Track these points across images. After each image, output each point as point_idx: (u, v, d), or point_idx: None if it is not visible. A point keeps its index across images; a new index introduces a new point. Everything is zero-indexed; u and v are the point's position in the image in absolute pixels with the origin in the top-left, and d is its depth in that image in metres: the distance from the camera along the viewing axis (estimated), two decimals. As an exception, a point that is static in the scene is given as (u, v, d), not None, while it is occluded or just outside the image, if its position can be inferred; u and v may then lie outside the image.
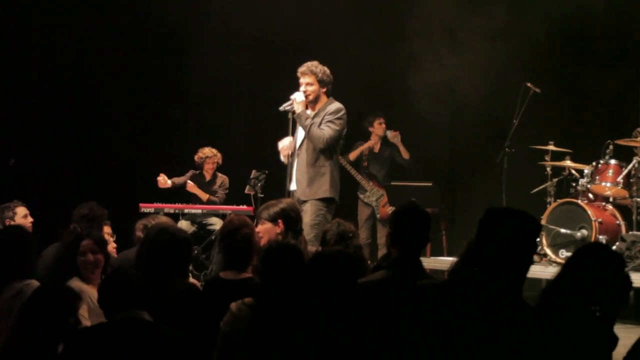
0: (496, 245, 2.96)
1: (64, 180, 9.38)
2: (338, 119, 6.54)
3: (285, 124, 6.72)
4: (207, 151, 9.43)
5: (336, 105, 6.59)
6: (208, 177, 9.51)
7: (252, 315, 3.60)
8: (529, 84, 8.31)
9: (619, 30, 8.92)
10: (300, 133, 6.67)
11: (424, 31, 9.04)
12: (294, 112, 6.58)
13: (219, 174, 9.55)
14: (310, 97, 6.58)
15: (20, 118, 9.53)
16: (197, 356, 3.57)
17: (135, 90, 10.00)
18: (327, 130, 6.48)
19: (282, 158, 6.74)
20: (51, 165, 9.45)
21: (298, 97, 6.54)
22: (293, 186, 6.61)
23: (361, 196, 9.24)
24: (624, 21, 8.84)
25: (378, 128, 9.36)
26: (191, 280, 4.51)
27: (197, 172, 9.52)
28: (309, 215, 6.34)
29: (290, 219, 5.05)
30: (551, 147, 8.21)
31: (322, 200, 6.49)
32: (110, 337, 3.32)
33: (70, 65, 9.77)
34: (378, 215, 9.18)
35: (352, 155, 9.24)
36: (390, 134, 9.24)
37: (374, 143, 9.38)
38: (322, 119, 6.52)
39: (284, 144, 6.67)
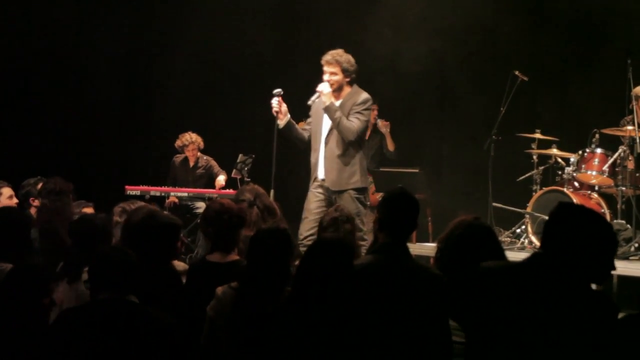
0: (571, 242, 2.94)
1: (50, 162, 9.32)
2: (366, 109, 6.56)
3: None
4: (187, 137, 9.44)
5: (363, 95, 6.58)
6: (192, 162, 9.58)
7: (235, 297, 3.61)
8: (516, 72, 8.30)
9: (606, 18, 8.95)
10: (326, 122, 6.61)
11: (408, 13, 9.03)
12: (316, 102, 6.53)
13: (202, 157, 9.59)
14: (334, 87, 6.52)
15: (4, 100, 9.47)
16: (184, 339, 3.56)
17: (121, 74, 9.94)
18: (356, 122, 6.48)
19: (279, 119, 6.60)
20: (37, 147, 9.40)
21: (325, 89, 6.48)
22: (321, 174, 6.61)
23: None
24: (610, 9, 8.87)
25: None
26: (177, 263, 4.51)
27: (179, 160, 9.55)
28: (349, 206, 6.32)
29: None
30: (538, 135, 8.24)
31: (355, 190, 6.57)
32: (94, 317, 3.29)
33: (56, 47, 9.70)
34: (368, 202, 9.14)
35: None
36: (380, 123, 9.16)
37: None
38: (350, 110, 6.50)
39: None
